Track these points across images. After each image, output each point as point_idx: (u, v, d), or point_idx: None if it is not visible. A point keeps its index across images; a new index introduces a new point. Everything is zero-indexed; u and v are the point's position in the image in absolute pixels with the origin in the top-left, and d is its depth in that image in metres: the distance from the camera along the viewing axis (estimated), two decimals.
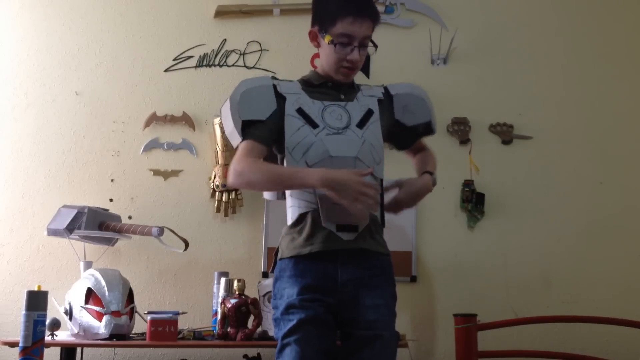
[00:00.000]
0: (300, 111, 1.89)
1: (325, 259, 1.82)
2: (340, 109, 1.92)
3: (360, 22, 1.88)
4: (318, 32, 1.94)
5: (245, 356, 2.61)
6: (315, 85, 1.96)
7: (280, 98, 1.91)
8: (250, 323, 2.49)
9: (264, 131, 1.89)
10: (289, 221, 1.90)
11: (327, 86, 1.96)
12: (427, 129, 2.08)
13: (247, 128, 1.89)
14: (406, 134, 2.07)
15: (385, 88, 2.05)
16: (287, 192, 1.93)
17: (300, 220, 1.87)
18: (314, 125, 1.87)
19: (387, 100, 2.02)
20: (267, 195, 2.07)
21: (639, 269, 3.06)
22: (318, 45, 1.97)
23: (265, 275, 2.93)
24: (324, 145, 1.85)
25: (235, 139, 1.93)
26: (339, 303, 1.82)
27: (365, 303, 1.81)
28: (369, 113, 1.94)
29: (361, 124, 1.91)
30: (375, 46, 1.94)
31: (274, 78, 1.99)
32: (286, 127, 1.88)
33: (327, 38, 1.89)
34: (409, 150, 2.14)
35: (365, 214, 1.83)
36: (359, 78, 2.06)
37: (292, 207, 1.90)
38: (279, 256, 1.90)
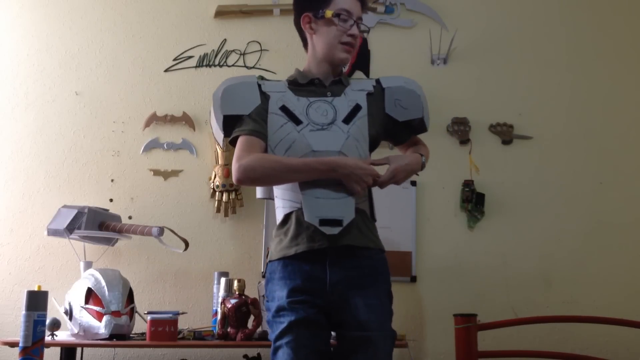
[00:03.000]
0: (284, 109, 1.89)
1: (313, 259, 1.80)
2: (326, 105, 1.91)
3: None
4: (312, 15, 1.95)
5: (245, 356, 2.61)
6: (301, 85, 1.96)
7: (264, 96, 1.92)
8: (250, 323, 2.49)
9: (258, 125, 1.88)
10: (277, 222, 1.90)
11: (314, 84, 1.96)
12: (421, 125, 2.03)
13: (239, 125, 1.89)
14: (400, 130, 2.03)
15: (377, 81, 2.02)
16: (275, 193, 1.91)
17: (285, 220, 1.86)
18: (297, 122, 1.86)
19: (378, 93, 1.99)
20: (259, 194, 2.05)
21: (639, 269, 3.06)
22: (312, 31, 1.97)
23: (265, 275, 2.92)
24: (306, 140, 1.84)
25: (219, 135, 1.94)
26: (329, 304, 1.79)
27: (357, 304, 1.78)
28: (356, 108, 1.92)
29: (347, 120, 1.89)
30: (368, 29, 2.01)
31: (261, 78, 1.99)
32: (269, 125, 1.88)
33: (329, 13, 1.91)
34: (402, 146, 2.10)
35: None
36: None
37: (278, 208, 1.90)
38: (268, 258, 1.89)
